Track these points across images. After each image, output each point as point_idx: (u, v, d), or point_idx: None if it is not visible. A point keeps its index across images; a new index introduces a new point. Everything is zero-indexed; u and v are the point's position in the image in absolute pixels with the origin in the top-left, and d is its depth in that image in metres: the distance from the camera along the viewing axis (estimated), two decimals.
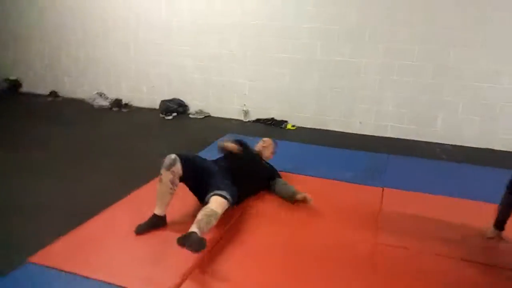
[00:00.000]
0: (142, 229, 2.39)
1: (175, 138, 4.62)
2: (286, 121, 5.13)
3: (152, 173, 2.94)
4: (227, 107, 5.45)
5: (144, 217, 2.46)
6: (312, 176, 3.36)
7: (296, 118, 5.12)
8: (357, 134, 4.88)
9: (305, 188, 2.95)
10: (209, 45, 5.29)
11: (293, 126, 5.07)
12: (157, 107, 5.63)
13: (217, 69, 5.35)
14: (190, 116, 5.51)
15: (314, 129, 5.02)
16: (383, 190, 3.12)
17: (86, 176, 3.41)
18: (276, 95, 5.17)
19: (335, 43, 4.71)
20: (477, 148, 4.44)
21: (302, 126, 5.08)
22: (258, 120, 5.28)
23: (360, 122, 4.87)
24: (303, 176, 3.36)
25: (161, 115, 5.47)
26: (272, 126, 5.11)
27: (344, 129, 4.95)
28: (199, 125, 5.18)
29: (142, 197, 2.86)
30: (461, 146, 4.50)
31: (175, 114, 5.46)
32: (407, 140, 4.68)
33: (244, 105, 5.32)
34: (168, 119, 5.37)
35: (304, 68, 4.93)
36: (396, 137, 4.74)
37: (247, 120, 5.35)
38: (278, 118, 5.19)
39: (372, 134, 4.84)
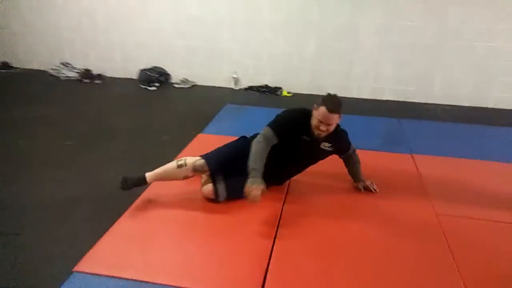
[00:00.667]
0: (128, 187, 2.29)
1: (169, 111, 4.20)
2: (280, 88, 4.89)
3: (166, 154, 2.65)
4: (215, 74, 5.08)
5: (181, 203, 2.26)
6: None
7: (291, 84, 4.89)
8: (355, 98, 4.78)
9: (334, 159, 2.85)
10: (191, 6, 4.81)
11: (289, 92, 4.85)
12: (134, 77, 5.12)
13: (201, 33, 4.91)
14: (175, 86, 5.07)
15: (311, 95, 4.84)
16: (412, 157, 3.06)
17: (95, 164, 2.95)
18: (269, 60, 4.88)
19: (332, 3, 4.47)
20: (472, 107, 4.55)
21: (298, 92, 4.88)
22: (250, 88, 4.98)
23: (359, 87, 4.77)
24: None
25: (142, 86, 4.97)
26: (267, 94, 4.85)
27: (341, 94, 4.79)
28: (189, 96, 4.78)
29: (165, 184, 2.53)
30: (457, 106, 4.58)
31: (157, 84, 5.00)
32: (406, 102, 4.67)
33: (235, 72, 4.98)
34: (152, 90, 4.90)
35: (299, 31, 4.66)
36: (394, 99, 4.72)
37: (238, 88, 5.03)
38: (271, 85, 4.93)
39: (370, 98, 4.78)
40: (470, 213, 2.34)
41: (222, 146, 2.47)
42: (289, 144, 2.29)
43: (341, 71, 4.74)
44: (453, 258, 1.94)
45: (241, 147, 2.36)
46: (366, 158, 2.96)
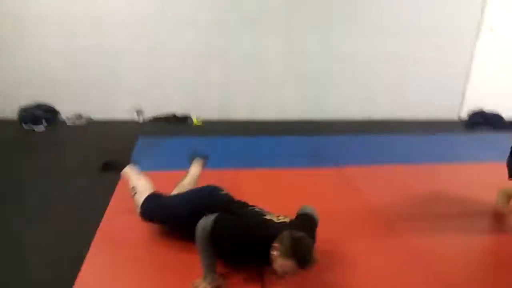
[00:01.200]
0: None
1: (70, 153, 3.65)
2: (189, 116, 4.74)
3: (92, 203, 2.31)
4: (114, 107, 4.64)
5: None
6: (270, 167, 3.28)
7: (199, 111, 4.78)
8: (261, 120, 4.93)
9: (280, 180, 2.97)
10: (81, 35, 4.33)
11: (199, 120, 4.73)
12: (11, 116, 4.34)
13: (95, 63, 4.46)
14: (68, 123, 4.46)
15: (221, 121, 4.82)
16: (344, 169, 3.32)
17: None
18: (174, 89, 4.70)
19: (235, 32, 4.57)
20: (360, 120, 5.15)
21: (208, 119, 4.80)
22: (156, 119, 4.70)
23: (266, 108, 4.94)
24: (262, 169, 3.24)
25: (25, 127, 4.22)
26: (176, 123, 4.65)
27: (250, 117, 4.92)
28: (89, 133, 4.23)
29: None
30: (348, 120, 5.12)
31: (45, 123, 4.31)
32: (307, 120, 5.02)
33: (138, 104, 4.64)
34: (40, 132, 4.20)
35: (203, 58, 4.62)
36: (297, 119, 5.03)
37: (142, 120, 4.69)
38: (179, 114, 4.74)
39: (275, 119, 4.99)
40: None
41: (176, 197, 2.32)
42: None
43: (246, 95, 4.85)
44: None
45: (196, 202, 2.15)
46: (291, 177, 3.11)
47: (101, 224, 2.38)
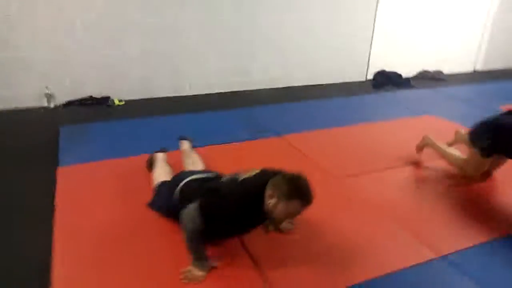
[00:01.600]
0: None
1: None
2: (109, 97, 4.37)
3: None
4: (19, 93, 4.05)
5: None
6: (210, 144, 3.22)
7: (119, 92, 4.43)
8: (188, 96, 4.78)
9: (229, 156, 3.03)
10: None
11: (120, 101, 4.39)
12: None
13: None
14: None
15: (144, 99, 4.54)
16: (283, 138, 3.44)
17: None
18: (90, 67, 4.25)
19: (152, 2, 4.26)
20: (283, 87, 5.31)
21: (130, 98, 4.48)
22: (70, 103, 4.23)
23: (190, 84, 4.78)
24: (206, 147, 3.18)
25: None
26: (95, 106, 4.25)
27: (174, 94, 4.73)
28: None
29: None
30: (275, 88, 5.24)
31: None
32: (233, 92, 5.01)
33: (46, 87, 4.10)
34: None
35: (120, 32, 4.24)
36: (223, 91, 4.99)
37: (53, 105, 4.18)
38: (97, 95, 4.34)
39: (201, 93, 4.88)
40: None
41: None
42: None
43: (169, 70, 4.63)
44: None
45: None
46: (241, 150, 3.17)
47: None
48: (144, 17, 4.28)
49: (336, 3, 5.17)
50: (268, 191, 1.74)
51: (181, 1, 4.38)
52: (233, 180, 1.93)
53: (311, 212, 1.92)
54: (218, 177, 2.13)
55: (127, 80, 4.47)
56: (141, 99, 4.53)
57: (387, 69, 5.75)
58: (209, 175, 2.20)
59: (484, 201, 2.64)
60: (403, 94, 5.21)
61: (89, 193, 2.50)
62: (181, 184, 2.08)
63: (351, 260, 2.03)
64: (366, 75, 5.80)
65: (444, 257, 2.05)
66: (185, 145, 2.80)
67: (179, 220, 1.87)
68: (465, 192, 2.71)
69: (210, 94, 4.89)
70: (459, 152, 2.90)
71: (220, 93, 4.94)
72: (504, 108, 3.21)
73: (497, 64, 6.65)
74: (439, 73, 6.12)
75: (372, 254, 2.08)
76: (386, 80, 5.61)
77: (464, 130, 2.97)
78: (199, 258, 1.83)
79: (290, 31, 5.07)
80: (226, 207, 1.79)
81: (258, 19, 4.84)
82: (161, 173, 2.44)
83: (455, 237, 2.24)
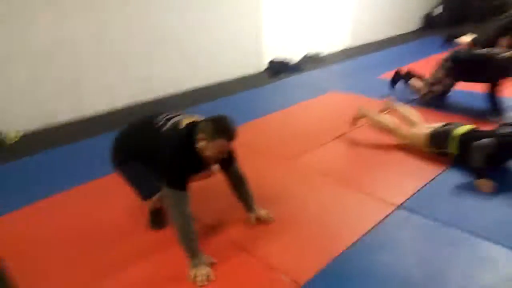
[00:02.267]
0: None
1: None
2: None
3: None
4: None
5: None
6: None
7: (15, 124, 3.87)
8: (91, 117, 4.42)
9: None
10: None
11: (16, 136, 3.83)
12: None
13: None
14: None
15: (45, 129, 4.05)
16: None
17: None
18: None
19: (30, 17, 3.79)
20: (188, 90, 5.29)
21: (28, 129, 3.95)
22: None
23: (91, 104, 4.42)
24: None
25: None
26: None
27: (77, 116, 4.32)
28: None
29: None
30: (182, 91, 5.18)
31: None
32: (138, 102, 4.79)
33: None
34: None
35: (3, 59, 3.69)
36: (127, 105, 4.73)
37: None
38: None
39: (103, 109, 4.55)
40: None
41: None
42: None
43: (67, 92, 4.21)
44: None
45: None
46: None
47: None
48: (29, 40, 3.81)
49: (227, 2, 5.34)
50: (198, 136, 1.94)
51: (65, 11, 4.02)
52: (168, 137, 2.05)
53: (280, 195, 2.09)
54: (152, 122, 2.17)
55: (20, 110, 3.93)
56: (41, 130, 4.04)
57: (278, 57, 6.17)
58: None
59: (416, 151, 3.07)
60: (298, 78, 5.67)
61: None
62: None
63: (328, 232, 2.25)
64: (262, 66, 6.13)
65: (401, 206, 2.42)
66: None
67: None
68: (396, 148, 3.15)
69: (115, 110, 4.60)
70: (392, 118, 3.28)
71: (125, 107, 4.69)
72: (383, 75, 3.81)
73: (363, 40, 7.68)
74: (318, 54, 6.80)
75: (343, 221, 2.33)
76: (280, 68, 6.02)
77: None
78: (196, 251, 1.91)
79: (188, 32, 5.06)
80: (173, 157, 1.97)
81: (155, 22, 4.73)
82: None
83: (401, 187, 2.64)
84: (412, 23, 8.75)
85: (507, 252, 2.00)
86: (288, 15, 6.24)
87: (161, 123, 2.11)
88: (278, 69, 5.99)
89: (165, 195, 2.00)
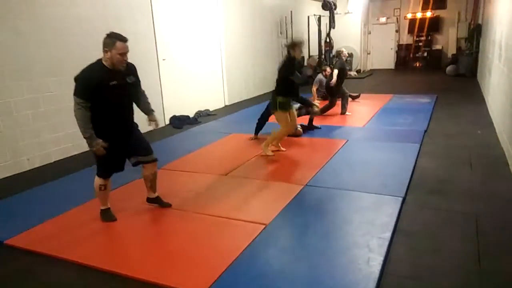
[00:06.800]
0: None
1: None
2: None
3: None
4: None
5: None
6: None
7: None
8: (28, 171, 4.81)
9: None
10: None
11: None
12: None
13: None
14: None
15: None
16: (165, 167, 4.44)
17: None
18: None
19: None
20: None
21: None
22: None
23: (28, 159, 4.81)
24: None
25: None
26: None
27: (13, 172, 4.66)
28: None
29: None
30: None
31: None
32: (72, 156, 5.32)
33: None
34: None
35: None
36: (60, 158, 5.22)
37: None
38: None
39: (40, 165, 4.97)
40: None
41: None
42: (108, 98, 2.87)
43: (5, 150, 4.58)
44: None
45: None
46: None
47: None
48: None
49: None
50: (103, 54, 2.82)
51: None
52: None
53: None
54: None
55: None
56: None
57: (177, 114, 7.37)
58: None
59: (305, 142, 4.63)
60: (200, 127, 6.95)
61: None
62: None
63: (271, 203, 3.50)
64: (164, 121, 7.22)
65: (308, 185, 3.84)
66: None
67: None
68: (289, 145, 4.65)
69: (49, 163, 5.07)
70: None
71: (59, 160, 5.19)
72: None
73: (238, 98, 9.51)
74: (208, 110, 8.27)
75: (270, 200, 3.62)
76: (181, 122, 7.22)
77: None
78: (91, 136, 2.86)
79: None
80: (82, 73, 2.83)
81: None
82: None
83: (303, 173, 4.09)
84: (271, 85, 11.10)
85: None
86: (182, 79, 7.64)
87: None
88: (180, 122, 7.18)
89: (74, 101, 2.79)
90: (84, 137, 2.88)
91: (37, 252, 2.88)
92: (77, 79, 2.81)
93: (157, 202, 3.45)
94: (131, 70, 3.04)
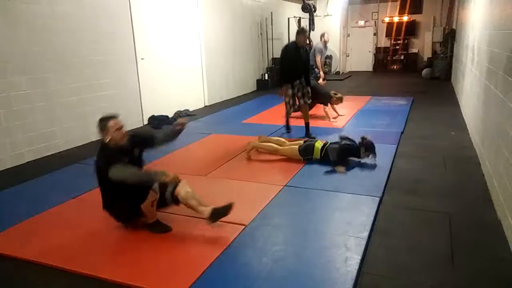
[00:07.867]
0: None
1: None
2: None
3: None
4: None
5: None
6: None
7: None
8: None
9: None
10: None
11: None
12: None
13: None
14: None
15: None
16: None
17: None
18: None
19: None
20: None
21: None
22: None
23: None
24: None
25: None
26: None
27: None
28: None
29: None
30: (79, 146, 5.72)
31: None
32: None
33: None
34: None
35: None
36: (33, 159, 5.08)
37: None
38: None
39: (12, 166, 4.82)
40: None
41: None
42: None
43: None
44: None
45: None
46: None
47: None
48: None
49: (109, 72, 6.28)
50: (103, 138, 2.90)
51: None
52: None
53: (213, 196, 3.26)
54: None
55: None
56: None
57: (156, 113, 7.29)
58: None
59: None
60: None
61: None
62: None
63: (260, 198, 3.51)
64: (143, 121, 7.12)
65: (288, 186, 3.86)
66: None
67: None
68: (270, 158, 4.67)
69: (21, 164, 4.93)
70: (271, 144, 4.89)
71: (32, 160, 5.05)
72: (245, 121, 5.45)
73: (218, 98, 9.48)
74: (188, 110, 8.21)
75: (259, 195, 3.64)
76: (159, 122, 7.13)
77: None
78: (153, 173, 2.85)
79: (81, 94, 5.78)
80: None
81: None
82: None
83: (283, 174, 4.12)
84: (251, 85, 11.15)
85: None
86: (161, 80, 7.55)
87: None
88: (159, 122, 7.10)
89: (114, 174, 2.74)
90: (147, 180, 2.87)
91: (10, 256, 2.79)
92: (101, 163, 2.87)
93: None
94: (136, 142, 3.11)
